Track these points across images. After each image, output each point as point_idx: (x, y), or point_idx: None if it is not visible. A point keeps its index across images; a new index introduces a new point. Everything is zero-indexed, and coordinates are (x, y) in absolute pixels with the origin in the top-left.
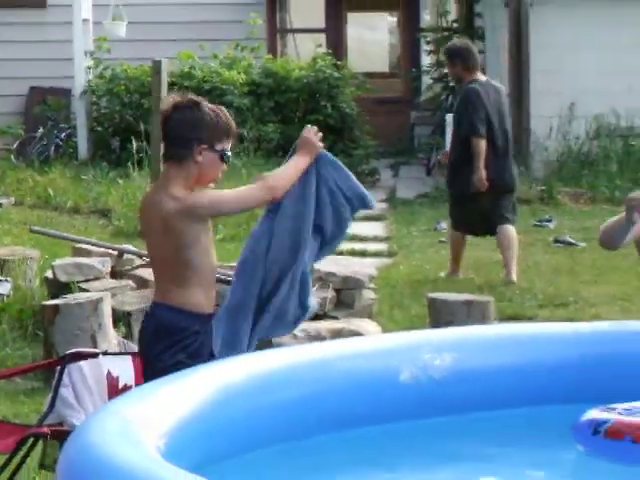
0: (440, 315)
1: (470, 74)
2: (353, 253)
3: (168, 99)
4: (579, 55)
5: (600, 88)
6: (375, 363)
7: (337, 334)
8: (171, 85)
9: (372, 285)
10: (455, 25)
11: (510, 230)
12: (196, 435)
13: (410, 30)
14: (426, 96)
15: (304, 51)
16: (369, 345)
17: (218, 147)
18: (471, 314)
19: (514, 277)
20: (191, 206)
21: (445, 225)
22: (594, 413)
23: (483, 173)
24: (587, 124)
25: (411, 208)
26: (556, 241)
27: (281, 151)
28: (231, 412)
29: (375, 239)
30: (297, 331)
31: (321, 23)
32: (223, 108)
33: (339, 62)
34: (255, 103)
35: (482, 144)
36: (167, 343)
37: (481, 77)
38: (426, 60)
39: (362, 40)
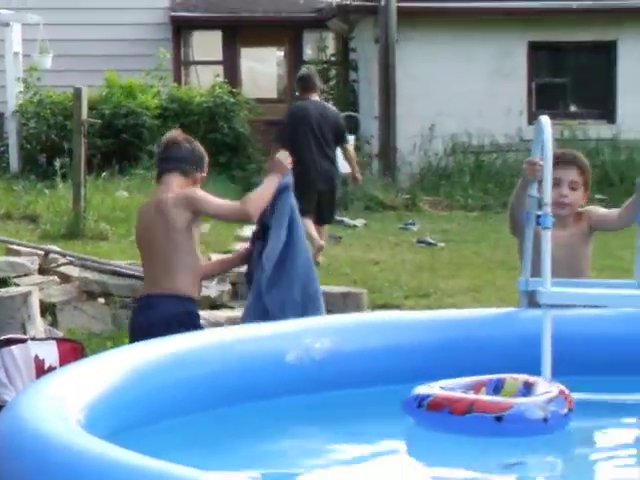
0: None
1: (304, 94)
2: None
3: (176, 131)
4: (437, 84)
5: (455, 112)
6: (265, 346)
7: (233, 322)
8: (90, 109)
9: None
10: (333, 58)
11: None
12: (110, 408)
13: (294, 62)
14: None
15: (204, 80)
16: (260, 331)
17: (204, 173)
18: (347, 304)
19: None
20: (185, 194)
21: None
22: (420, 389)
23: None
24: (444, 143)
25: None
26: (419, 242)
27: None
28: (141, 388)
29: None
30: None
31: (219, 56)
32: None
33: (234, 89)
34: (163, 124)
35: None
36: (177, 329)
37: (313, 97)
38: None
39: (254, 71)
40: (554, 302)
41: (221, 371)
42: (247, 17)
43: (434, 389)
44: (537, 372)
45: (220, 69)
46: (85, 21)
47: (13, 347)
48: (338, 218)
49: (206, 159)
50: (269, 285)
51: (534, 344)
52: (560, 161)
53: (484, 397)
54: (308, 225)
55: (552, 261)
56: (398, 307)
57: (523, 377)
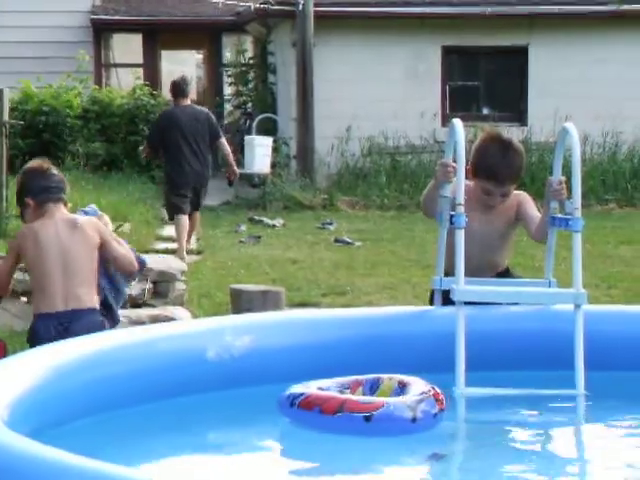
0: (240, 303)
1: (175, 101)
2: (167, 252)
3: (42, 159)
4: (354, 87)
5: (372, 114)
6: (186, 343)
7: (155, 319)
8: (12, 109)
9: (183, 278)
10: (252, 61)
11: (183, 219)
12: (33, 406)
13: (214, 65)
14: (228, 120)
15: (125, 82)
16: (181, 328)
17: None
18: (266, 302)
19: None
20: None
21: (244, 227)
22: (294, 388)
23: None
24: (361, 144)
25: (215, 213)
26: (336, 240)
27: (105, 166)
28: (63, 386)
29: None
30: (121, 317)
31: (139, 59)
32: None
33: (155, 92)
34: (84, 125)
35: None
36: None
37: (183, 102)
38: (227, 90)
39: (174, 73)
40: (467, 299)
41: (142, 368)
42: (167, 20)
43: (308, 388)
44: (451, 368)
45: (140, 71)
46: (5, 24)
47: None
48: (257, 218)
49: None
50: None
51: (448, 341)
52: (497, 179)
53: (355, 397)
54: (183, 226)
55: (475, 238)
56: (316, 305)
57: (398, 377)
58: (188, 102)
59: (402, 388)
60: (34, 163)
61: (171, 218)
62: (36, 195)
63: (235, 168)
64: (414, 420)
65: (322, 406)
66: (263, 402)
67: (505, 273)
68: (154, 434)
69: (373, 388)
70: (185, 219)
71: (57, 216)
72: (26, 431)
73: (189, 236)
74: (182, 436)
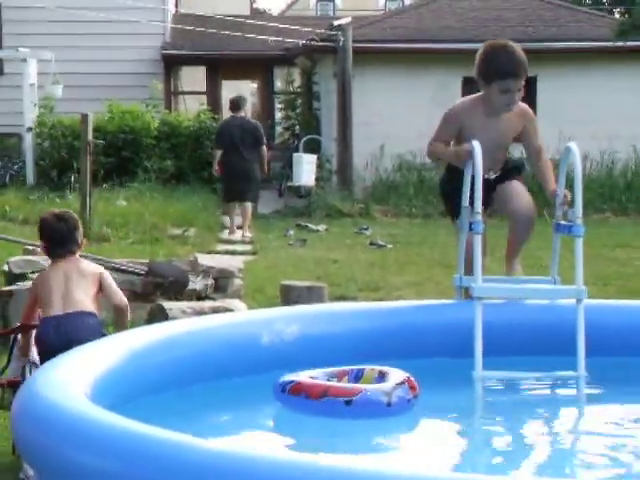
0: (289, 297)
1: (233, 112)
2: (227, 252)
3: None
4: (387, 111)
5: (402, 135)
6: (244, 331)
7: (216, 310)
8: (95, 130)
9: (240, 275)
10: (299, 90)
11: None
12: (112, 383)
13: (267, 93)
14: (278, 140)
15: (191, 108)
16: (239, 318)
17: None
18: (311, 296)
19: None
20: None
21: (292, 232)
22: (287, 376)
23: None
24: (392, 161)
25: (267, 220)
26: (371, 243)
27: (174, 179)
28: (138, 366)
29: (242, 242)
30: (186, 307)
31: (203, 88)
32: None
33: (216, 115)
34: (157, 144)
35: (216, 152)
36: None
37: (237, 114)
38: (278, 115)
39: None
40: (484, 295)
41: (207, 351)
42: (226, 54)
43: (298, 376)
44: (471, 354)
45: (204, 98)
46: (91, 58)
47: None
48: (303, 224)
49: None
50: None
51: (468, 330)
52: (511, 73)
53: (336, 384)
54: (232, 210)
55: (491, 142)
56: (354, 299)
57: (379, 368)
58: (242, 114)
59: (382, 377)
60: (49, 214)
61: (226, 200)
62: (49, 248)
63: (265, 167)
64: (389, 405)
65: (308, 392)
66: None
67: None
68: (217, 409)
69: (357, 377)
70: (232, 205)
71: (65, 267)
72: (106, 404)
73: (244, 224)
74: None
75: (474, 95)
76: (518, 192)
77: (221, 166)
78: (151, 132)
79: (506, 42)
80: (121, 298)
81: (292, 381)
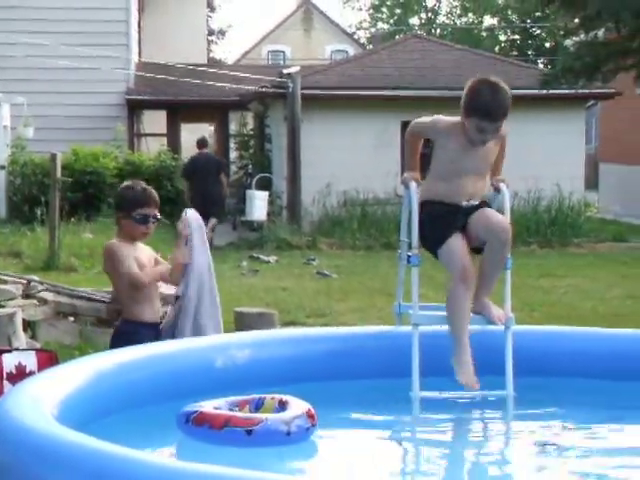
0: (243, 323)
1: (199, 149)
2: None
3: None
4: (333, 152)
5: (346, 174)
6: (200, 355)
7: None
8: (63, 168)
9: None
10: (252, 132)
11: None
12: (79, 403)
13: (223, 135)
14: (233, 178)
15: (152, 148)
16: (197, 343)
17: (134, 214)
18: (263, 322)
19: None
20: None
21: (245, 263)
22: (190, 406)
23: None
24: (338, 197)
25: (222, 252)
26: (318, 273)
27: None
28: (101, 388)
29: None
30: None
31: (164, 130)
32: (141, 183)
33: (176, 155)
34: (120, 182)
35: (185, 182)
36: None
37: (203, 151)
38: (233, 154)
39: (191, 141)
40: (421, 323)
41: (165, 374)
42: (186, 100)
43: (201, 407)
44: (408, 374)
45: (164, 139)
46: (60, 102)
47: (2, 355)
48: (255, 255)
49: (137, 204)
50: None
51: (406, 354)
52: (492, 116)
53: (238, 414)
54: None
55: (469, 171)
56: (302, 324)
57: (279, 397)
58: (206, 150)
59: (282, 406)
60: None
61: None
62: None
63: (226, 191)
64: (289, 433)
65: (211, 422)
66: None
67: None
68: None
69: (258, 406)
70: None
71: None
72: (74, 424)
73: (211, 229)
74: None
75: (458, 118)
76: (494, 213)
77: (189, 191)
78: (111, 171)
79: (496, 81)
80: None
81: (195, 411)
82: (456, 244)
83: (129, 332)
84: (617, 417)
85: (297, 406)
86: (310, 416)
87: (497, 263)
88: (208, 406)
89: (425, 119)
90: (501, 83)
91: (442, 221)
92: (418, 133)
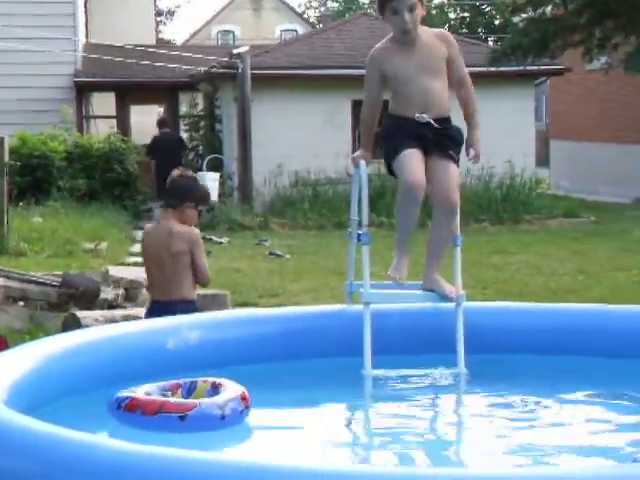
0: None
1: (160, 128)
2: (136, 264)
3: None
4: (284, 133)
5: (298, 154)
6: (151, 336)
7: (126, 318)
8: (11, 153)
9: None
10: (202, 113)
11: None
12: (27, 387)
13: (173, 116)
14: (185, 160)
15: (102, 131)
16: (147, 325)
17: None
18: (215, 303)
19: None
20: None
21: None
22: (121, 392)
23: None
24: (289, 177)
25: None
26: (270, 254)
27: (87, 197)
28: (51, 372)
29: None
30: (98, 316)
31: (113, 112)
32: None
33: (125, 138)
34: (69, 165)
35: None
36: None
37: (164, 130)
38: (184, 136)
39: (141, 123)
40: (372, 301)
41: (117, 356)
42: (135, 81)
43: (133, 392)
44: (361, 353)
45: (114, 122)
46: (7, 85)
47: None
48: (208, 236)
49: (201, 200)
50: None
51: (358, 333)
52: None
53: (171, 399)
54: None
55: (413, 77)
56: (255, 305)
57: (212, 380)
58: (167, 129)
59: (215, 389)
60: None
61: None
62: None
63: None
64: (223, 417)
65: (143, 408)
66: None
67: (448, 121)
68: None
69: (190, 390)
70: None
71: (162, 223)
72: (22, 409)
73: None
74: None
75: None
76: (447, 180)
77: (155, 169)
78: (60, 155)
79: None
80: None
81: (127, 397)
82: (408, 158)
83: (189, 310)
84: (569, 391)
85: (231, 389)
86: (244, 398)
87: (444, 236)
88: (140, 392)
89: (366, 93)
90: None
91: (395, 134)
92: (370, 91)
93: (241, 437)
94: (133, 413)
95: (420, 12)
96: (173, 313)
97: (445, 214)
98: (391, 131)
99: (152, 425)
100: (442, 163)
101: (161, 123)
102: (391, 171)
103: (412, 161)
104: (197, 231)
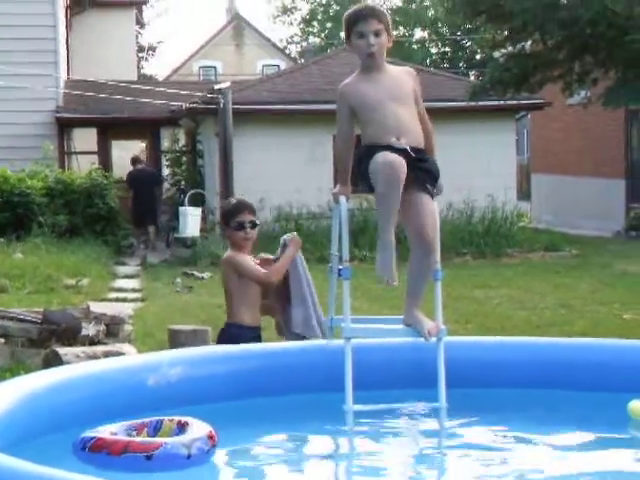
0: (177, 340)
1: (134, 165)
2: (117, 300)
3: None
4: (266, 168)
5: (280, 189)
6: (133, 373)
7: (108, 354)
8: None
9: (130, 321)
10: (184, 149)
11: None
12: (7, 426)
13: (154, 152)
14: (166, 195)
15: (83, 166)
16: (129, 361)
17: (231, 223)
18: (197, 339)
19: None
20: (228, 259)
21: (179, 280)
22: (87, 432)
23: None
24: (272, 212)
25: (156, 269)
26: None
27: (68, 233)
28: (34, 408)
29: (133, 290)
30: (79, 352)
31: (94, 148)
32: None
33: (107, 173)
34: (51, 201)
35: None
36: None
37: (138, 166)
38: (165, 171)
39: (123, 158)
40: (353, 335)
41: (99, 393)
42: (116, 117)
43: (98, 432)
44: (343, 388)
45: (95, 158)
46: None
47: None
48: (189, 272)
49: (232, 214)
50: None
51: (340, 367)
52: (360, 16)
53: (137, 439)
54: (139, 232)
55: (384, 100)
56: None
57: (177, 419)
58: (141, 166)
59: (181, 428)
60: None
61: (135, 226)
62: None
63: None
64: (189, 457)
65: (109, 448)
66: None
67: (425, 153)
68: None
69: (156, 429)
70: (140, 229)
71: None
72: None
73: (152, 239)
74: None
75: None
76: (424, 213)
77: (132, 202)
78: (39, 192)
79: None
80: None
81: (92, 438)
82: (383, 153)
83: (233, 334)
84: (555, 426)
85: (197, 428)
86: (210, 437)
87: (422, 273)
88: (105, 431)
89: (338, 125)
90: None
91: (370, 156)
92: (342, 125)
93: (207, 477)
94: (99, 453)
95: (386, 40)
96: (229, 337)
97: (422, 250)
98: (366, 154)
99: (118, 465)
100: (418, 197)
101: (134, 161)
102: (371, 185)
103: (389, 155)
104: (229, 254)
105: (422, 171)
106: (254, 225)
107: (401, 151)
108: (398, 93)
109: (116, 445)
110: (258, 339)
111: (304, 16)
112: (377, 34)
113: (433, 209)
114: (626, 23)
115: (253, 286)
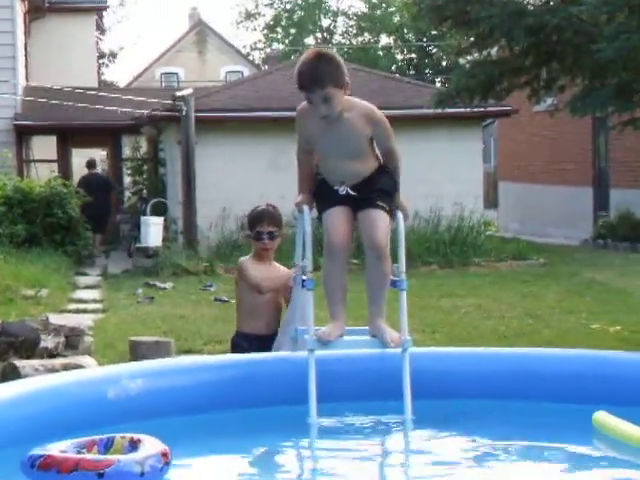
0: (138, 352)
1: (88, 170)
2: (77, 311)
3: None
4: (229, 176)
5: (243, 197)
6: (92, 386)
7: (67, 367)
8: None
9: (91, 332)
10: (146, 156)
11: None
12: None
13: (115, 160)
14: (127, 204)
15: (42, 175)
16: (88, 374)
17: (252, 232)
18: (159, 351)
19: None
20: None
21: (141, 290)
22: (35, 450)
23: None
24: (236, 221)
25: (117, 280)
26: (215, 299)
27: (27, 243)
28: None
29: (94, 301)
30: (38, 365)
31: (54, 156)
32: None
33: (67, 182)
34: (9, 210)
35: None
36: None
37: (92, 171)
38: (127, 179)
39: (83, 166)
40: (316, 347)
41: (57, 407)
42: (77, 124)
43: (48, 450)
44: (305, 401)
45: (55, 166)
46: None
47: None
48: (151, 282)
49: (253, 223)
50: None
51: (303, 379)
52: (304, 88)
53: (88, 456)
54: (96, 238)
55: (331, 152)
56: (199, 352)
57: (129, 436)
58: (95, 170)
59: (133, 446)
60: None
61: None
62: None
63: (114, 206)
64: (142, 474)
65: (59, 466)
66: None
67: (373, 176)
68: None
69: (107, 447)
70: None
71: None
72: None
73: (100, 243)
74: None
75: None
76: (374, 223)
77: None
78: None
79: (309, 52)
80: None
81: (42, 455)
82: (331, 217)
83: (234, 342)
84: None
85: (150, 445)
86: (164, 454)
87: (378, 281)
88: (54, 449)
89: (298, 144)
90: (316, 52)
91: (321, 194)
92: (299, 142)
93: None
94: (48, 471)
95: (340, 98)
96: (231, 344)
97: (373, 257)
98: (318, 190)
99: None
100: (368, 212)
101: (89, 164)
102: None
103: (334, 220)
104: (242, 259)
105: (366, 201)
106: (272, 236)
107: (344, 196)
108: (347, 149)
109: (66, 463)
110: (257, 348)
111: (268, 22)
112: (326, 99)
113: (381, 218)
114: (592, 30)
115: (253, 294)
